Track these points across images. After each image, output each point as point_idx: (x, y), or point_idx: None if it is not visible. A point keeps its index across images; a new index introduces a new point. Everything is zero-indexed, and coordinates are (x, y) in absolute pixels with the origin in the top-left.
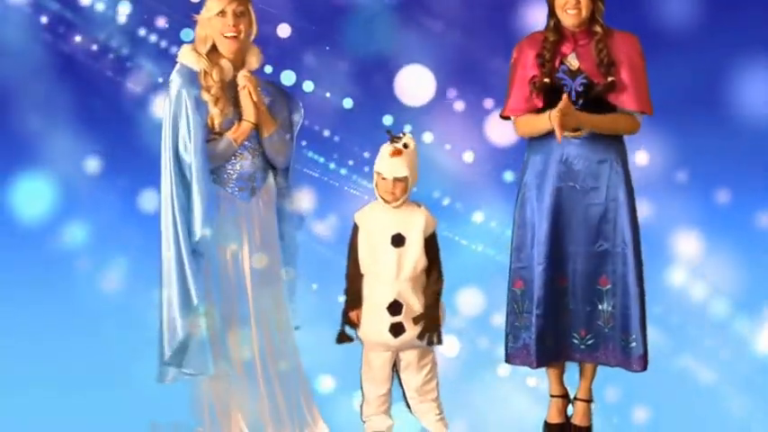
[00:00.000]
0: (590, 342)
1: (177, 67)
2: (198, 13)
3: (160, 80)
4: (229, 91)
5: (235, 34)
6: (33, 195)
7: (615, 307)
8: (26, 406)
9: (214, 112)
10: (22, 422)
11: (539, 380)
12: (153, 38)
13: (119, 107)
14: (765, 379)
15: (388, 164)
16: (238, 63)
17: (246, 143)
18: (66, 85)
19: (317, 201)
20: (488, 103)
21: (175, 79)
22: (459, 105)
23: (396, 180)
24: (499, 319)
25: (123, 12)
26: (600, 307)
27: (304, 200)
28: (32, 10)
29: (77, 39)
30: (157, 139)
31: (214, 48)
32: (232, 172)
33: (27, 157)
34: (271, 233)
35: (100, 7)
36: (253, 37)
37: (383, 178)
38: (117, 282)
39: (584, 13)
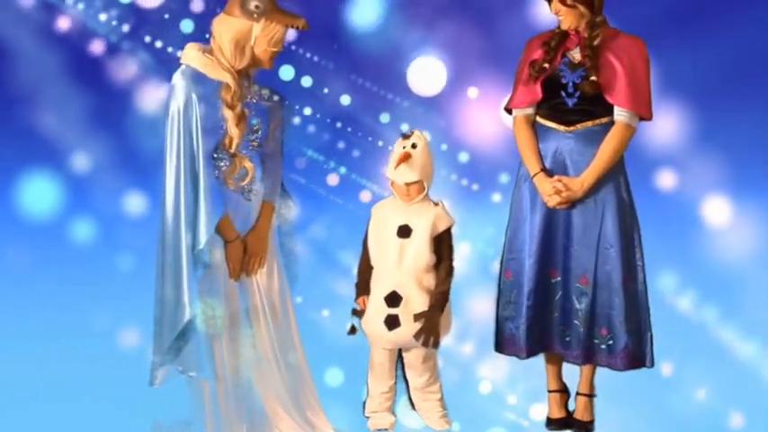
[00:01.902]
0: (567, 339)
1: (185, 69)
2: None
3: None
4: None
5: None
6: (40, 193)
7: (592, 306)
8: (29, 404)
9: (233, 131)
10: (26, 420)
11: (519, 398)
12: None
13: (121, 106)
14: None
15: (397, 172)
16: (246, 69)
17: (244, 151)
18: (70, 84)
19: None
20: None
21: (185, 84)
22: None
23: (408, 184)
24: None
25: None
26: (577, 306)
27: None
28: (35, 11)
29: (82, 35)
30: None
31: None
32: (236, 173)
33: (34, 155)
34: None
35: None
36: None
37: (396, 184)
38: (124, 277)
39: (570, 17)
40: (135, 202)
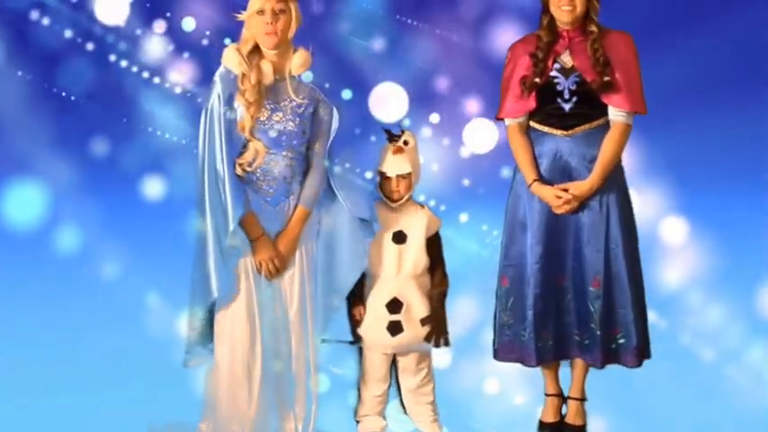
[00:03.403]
0: (587, 342)
1: (220, 69)
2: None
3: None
4: (267, 95)
5: (273, 31)
6: (25, 202)
7: (606, 307)
8: (22, 410)
9: (245, 116)
10: (19, 428)
11: (525, 398)
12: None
13: (115, 104)
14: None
15: (390, 162)
16: (281, 66)
17: (284, 151)
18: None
19: None
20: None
21: (216, 83)
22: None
23: (399, 178)
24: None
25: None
26: (591, 309)
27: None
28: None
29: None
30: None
31: (257, 48)
32: (263, 176)
33: (18, 163)
34: (306, 233)
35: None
36: (292, 34)
37: (387, 177)
38: (111, 284)
39: (579, 9)
40: (121, 211)
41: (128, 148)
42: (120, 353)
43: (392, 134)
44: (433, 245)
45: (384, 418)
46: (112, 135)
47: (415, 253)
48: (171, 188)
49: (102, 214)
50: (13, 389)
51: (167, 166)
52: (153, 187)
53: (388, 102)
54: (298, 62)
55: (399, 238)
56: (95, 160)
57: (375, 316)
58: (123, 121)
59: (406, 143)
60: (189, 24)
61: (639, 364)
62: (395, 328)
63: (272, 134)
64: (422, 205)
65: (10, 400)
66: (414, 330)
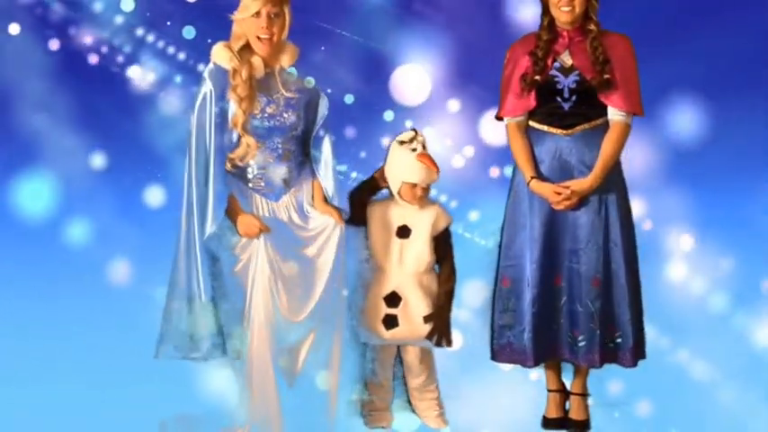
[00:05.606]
0: (581, 344)
1: (209, 66)
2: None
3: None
4: (259, 88)
5: (268, 36)
6: (36, 194)
7: (605, 306)
8: (27, 403)
9: (237, 112)
10: (25, 420)
11: (540, 374)
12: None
13: (122, 104)
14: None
15: (416, 169)
16: (272, 60)
17: (279, 147)
18: (67, 84)
19: None
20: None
21: (206, 79)
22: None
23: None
24: None
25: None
26: (591, 308)
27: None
28: (34, 7)
29: (81, 36)
30: (160, 136)
31: (248, 45)
32: (261, 176)
33: (29, 155)
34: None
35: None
36: (285, 36)
37: (414, 185)
38: (119, 279)
39: (578, 9)
40: (140, 199)
41: (137, 142)
42: (131, 346)
43: (416, 132)
44: (442, 242)
45: (390, 412)
46: (122, 130)
47: (418, 249)
48: (177, 185)
49: (113, 206)
50: (22, 381)
51: (179, 161)
52: (160, 184)
53: (411, 84)
54: (286, 56)
55: (403, 232)
56: (107, 152)
57: (374, 307)
58: (133, 116)
59: (424, 146)
60: (190, 32)
61: (635, 364)
62: (390, 322)
63: (266, 125)
64: (433, 202)
65: (18, 392)
66: (409, 326)
